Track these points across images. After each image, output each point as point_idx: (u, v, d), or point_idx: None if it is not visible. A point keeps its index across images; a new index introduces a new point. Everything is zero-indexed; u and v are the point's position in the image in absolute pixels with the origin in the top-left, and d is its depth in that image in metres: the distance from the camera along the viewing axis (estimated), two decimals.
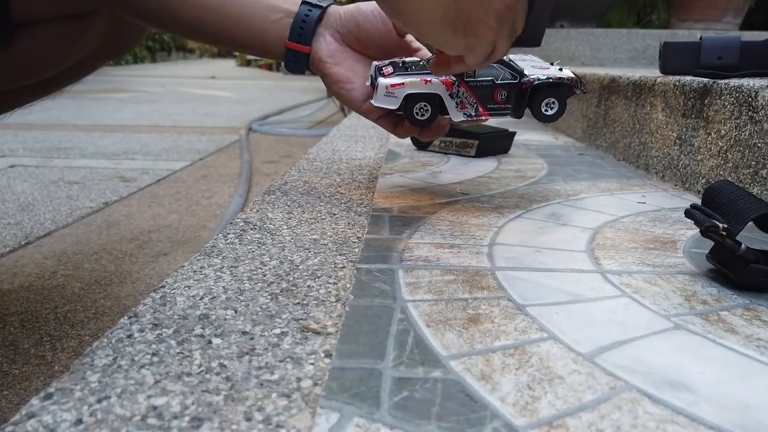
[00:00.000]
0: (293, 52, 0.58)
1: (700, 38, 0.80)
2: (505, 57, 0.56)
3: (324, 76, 0.59)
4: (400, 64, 0.57)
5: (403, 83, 0.55)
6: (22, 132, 2.12)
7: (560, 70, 0.59)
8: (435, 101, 0.56)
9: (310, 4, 0.58)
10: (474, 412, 0.25)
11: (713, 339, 0.33)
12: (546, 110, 0.58)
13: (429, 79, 0.55)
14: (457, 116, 0.57)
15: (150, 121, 2.63)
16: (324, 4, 0.58)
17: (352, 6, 0.58)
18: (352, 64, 0.58)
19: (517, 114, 0.58)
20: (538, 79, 0.56)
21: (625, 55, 2.00)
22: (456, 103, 0.56)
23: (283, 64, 0.60)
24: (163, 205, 1.26)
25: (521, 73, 0.57)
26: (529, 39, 0.48)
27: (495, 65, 0.56)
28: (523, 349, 0.31)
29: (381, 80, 0.55)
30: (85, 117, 2.63)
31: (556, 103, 0.58)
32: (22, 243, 0.98)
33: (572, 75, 0.58)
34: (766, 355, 0.31)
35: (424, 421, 0.25)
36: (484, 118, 0.57)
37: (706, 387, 0.28)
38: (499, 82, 0.56)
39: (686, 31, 2.04)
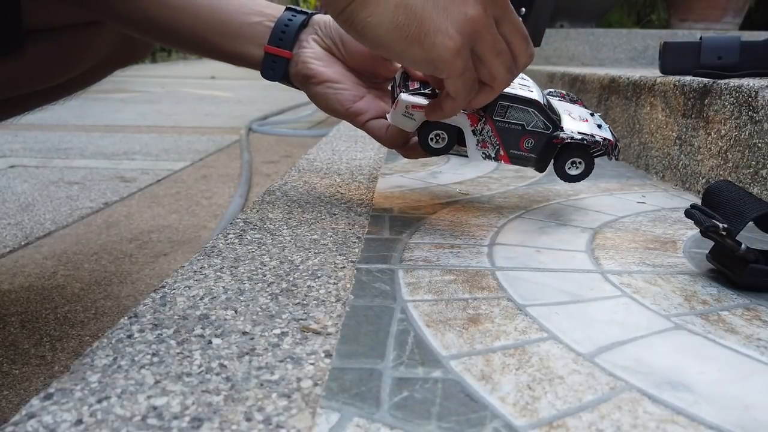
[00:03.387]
0: (272, 57, 0.54)
1: (700, 38, 0.80)
2: (541, 99, 0.50)
3: (309, 78, 0.54)
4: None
5: (424, 107, 0.48)
6: (22, 132, 2.12)
7: (599, 126, 0.54)
8: (454, 132, 0.50)
9: (295, 10, 0.55)
10: (474, 412, 0.25)
11: (713, 339, 0.33)
12: (570, 169, 0.53)
13: None
14: (474, 155, 0.51)
15: (150, 122, 2.62)
16: (309, 11, 0.55)
17: None
18: (340, 70, 0.54)
19: (540, 167, 0.53)
20: (572, 139, 0.51)
21: (625, 55, 2.00)
22: (477, 140, 0.50)
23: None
24: (163, 205, 1.26)
25: (556, 125, 0.51)
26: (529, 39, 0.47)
27: (530, 110, 0.50)
28: (523, 349, 0.31)
29: (402, 96, 0.48)
30: (85, 117, 2.63)
31: (583, 164, 0.53)
32: (22, 243, 0.98)
33: (610, 137, 0.53)
34: (766, 355, 0.31)
35: (424, 421, 0.25)
36: (503, 162, 0.52)
37: (706, 387, 0.28)
38: (529, 128, 0.50)
39: (686, 31, 2.04)
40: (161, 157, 1.80)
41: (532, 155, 0.52)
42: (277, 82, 0.57)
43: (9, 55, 0.56)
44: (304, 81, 0.55)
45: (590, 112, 0.56)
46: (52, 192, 1.33)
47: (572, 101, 0.58)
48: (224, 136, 2.22)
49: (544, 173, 0.61)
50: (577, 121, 0.53)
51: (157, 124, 2.56)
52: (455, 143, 0.51)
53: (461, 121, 0.49)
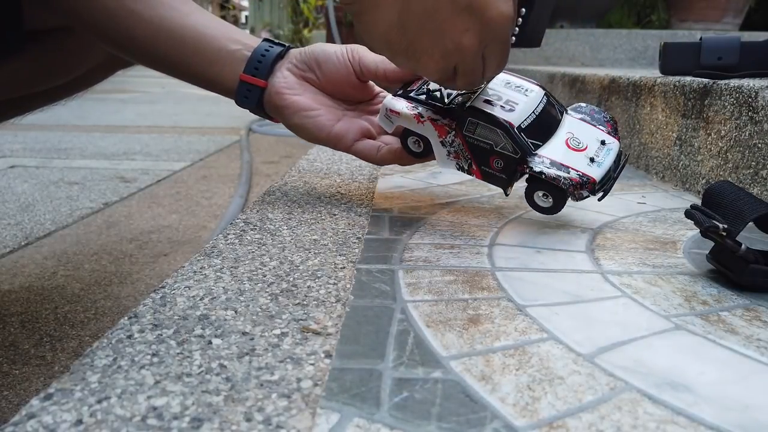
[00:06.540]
0: (247, 86, 0.54)
1: (700, 39, 0.80)
2: (523, 117, 0.49)
3: (282, 108, 0.54)
4: (424, 88, 0.53)
5: (398, 113, 0.52)
6: (22, 132, 2.12)
7: (592, 160, 0.49)
8: (428, 140, 0.52)
9: (272, 42, 0.55)
10: (474, 413, 0.25)
11: (713, 339, 0.33)
12: (538, 199, 0.50)
13: (423, 119, 0.50)
14: (446, 164, 0.52)
15: (150, 122, 2.63)
16: (287, 45, 0.56)
17: (315, 45, 0.56)
18: (313, 95, 0.55)
19: (508, 190, 0.51)
20: (532, 170, 0.48)
21: (625, 56, 2.01)
22: (448, 151, 0.51)
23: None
24: (163, 205, 1.26)
25: (526, 151, 0.48)
26: (529, 39, 0.47)
27: (498, 131, 0.48)
28: (523, 350, 0.31)
29: (387, 100, 0.53)
30: (85, 117, 2.64)
31: (550, 197, 0.49)
32: (22, 243, 0.98)
33: (594, 176, 0.48)
34: (766, 355, 0.31)
35: (424, 421, 0.25)
36: (475, 177, 0.52)
37: (706, 387, 0.28)
38: (497, 149, 0.49)
39: (686, 32, 2.04)
40: (161, 158, 1.80)
41: (503, 176, 0.50)
42: None
43: (10, 57, 0.56)
44: (279, 111, 0.55)
45: (604, 139, 0.52)
46: (52, 192, 1.33)
47: (601, 121, 0.54)
48: (224, 137, 2.22)
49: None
50: (564, 148, 0.50)
51: (157, 124, 2.56)
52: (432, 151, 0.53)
53: (429, 131, 0.51)
